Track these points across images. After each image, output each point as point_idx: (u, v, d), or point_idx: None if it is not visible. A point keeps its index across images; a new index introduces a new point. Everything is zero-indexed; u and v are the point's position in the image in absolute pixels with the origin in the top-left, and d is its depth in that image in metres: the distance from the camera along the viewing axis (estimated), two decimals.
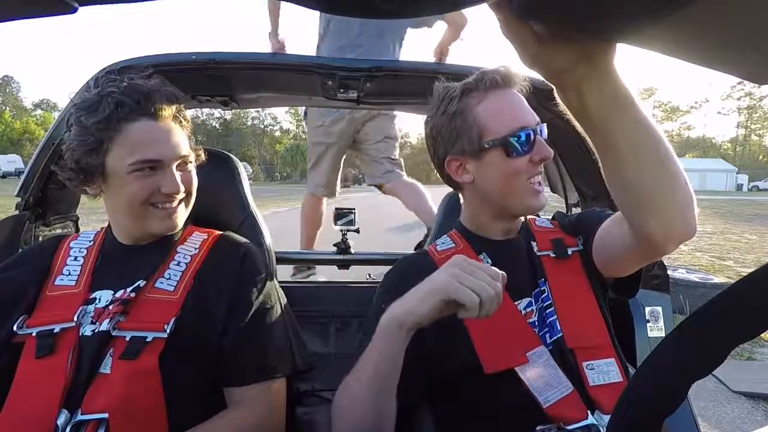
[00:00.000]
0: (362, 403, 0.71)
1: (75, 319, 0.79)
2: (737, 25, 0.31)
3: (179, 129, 0.89)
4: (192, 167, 0.92)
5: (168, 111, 0.86)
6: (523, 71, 0.87)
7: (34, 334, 0.78)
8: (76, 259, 0.89)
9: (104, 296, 0.84)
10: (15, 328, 0.78)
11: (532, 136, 0.84)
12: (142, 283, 0.84)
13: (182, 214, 0.91)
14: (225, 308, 0.86)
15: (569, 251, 0.91)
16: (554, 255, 0.91)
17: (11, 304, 0.83)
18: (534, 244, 0.93)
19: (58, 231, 1.38)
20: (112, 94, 0.82)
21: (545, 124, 0.88)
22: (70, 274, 0.87)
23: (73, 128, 0.83)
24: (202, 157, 0.98)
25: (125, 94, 0.82)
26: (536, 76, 0.51)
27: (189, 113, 0.97)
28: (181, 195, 0.88)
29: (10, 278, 0.86)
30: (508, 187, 0.87)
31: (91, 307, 0.82)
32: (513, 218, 0.94)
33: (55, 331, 0.79)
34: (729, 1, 0.30)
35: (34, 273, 0.87)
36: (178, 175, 0.86)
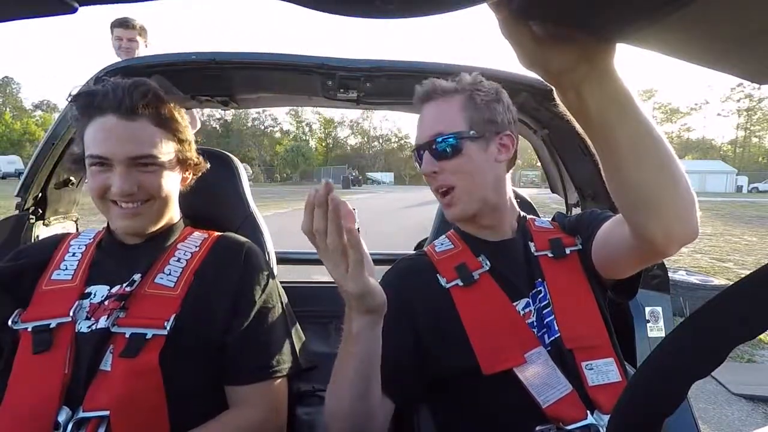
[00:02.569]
0: (348, 405, 0.71)
1: (70, 314, 0.79)
2: (737, 25, 0.31)
3: (153, 130, 0.85)
4: (163, 171, 0.86)
5: (143, 110, 0.83)
6: (523, 72, 0.87)
7: (29, 329, 0.78)
8: (74, 255, 0.90)
9: (99, 291, 0.84)
10: (10, 322, 0.78)
11: (421, 154, 0.91)
12: (138, 276, 0.84)
13: (148, 215, 0.87)
14: (227, 307, 0.86)
15: (567, 251, 0.91)
16: (552, 255, 0.90)
17: (6, 290, 0.83)
18: (532, 244, 0.93)
19: (58, 231, 1.38)
20: (95, 87, 0.84)
21: (448, 136, 0.86)
22: (66, 268, 0.87)
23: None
24: (201, 170, 0.98)
25: (101, 88, 0.83)
26: (536, 76, 0.51)
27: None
28: (138, 196, 0.84)
29: (10, 267, 0.87)
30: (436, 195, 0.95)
31: (86, 302, 0.82)
32: (468, 220, 0.94)
33: (51, 326, 0.78)
34: (729, 1, 0.30)
35: (32, 264, 0.87)
36: (133, 175, 0.82)
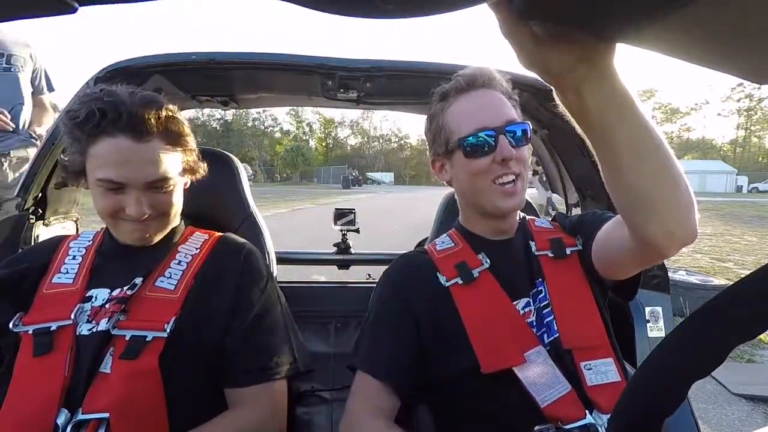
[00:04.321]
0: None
1: (72, 317, 0.79)
2: (737, 25, 0.31)
3: (164, 150, 0.82)
4: (174, 188, 0.87)
5: (153, 129, 0.80)
6: (523, 72, 0.87)
7: (30, 332, 0.78)
8: (74, 258, 0.89)
9: (101, 295, 0.84)
10: (11, 325, 0.78)
11: (494, 137, 0.84)
12: (139, 280, 0.84)
13: (157, 229, 0.88)
14: (226, 309, 0.86)
15: (568, 251, 0.91)
16: (552, 255, 0.90)
17: (6, 296, 0.83)
18: (532, 243, 0.93)
19: (58, 231, 1.38)
20: (97, 102, 0.78)
21: (523, 124, 0.86)
22: (68, 272, 0.87)
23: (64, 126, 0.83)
24: (201, 173, 0.95)
25: (109, 106, 0.78)
26: (536, 76, 0.50)
27: (189, 114, 0.97)
28: (151, 215, 0.84)
29: (10, 272, 0.86)
30: (475, 188, 0.89)
31: (87, 306, 0.82)
32: (495, 217, 0.92)
33: (52, 329, 0.78)
34: (729, 1, 0.30)
35: (32, 268, 0.87)
36: (148, 197, 0.82)
